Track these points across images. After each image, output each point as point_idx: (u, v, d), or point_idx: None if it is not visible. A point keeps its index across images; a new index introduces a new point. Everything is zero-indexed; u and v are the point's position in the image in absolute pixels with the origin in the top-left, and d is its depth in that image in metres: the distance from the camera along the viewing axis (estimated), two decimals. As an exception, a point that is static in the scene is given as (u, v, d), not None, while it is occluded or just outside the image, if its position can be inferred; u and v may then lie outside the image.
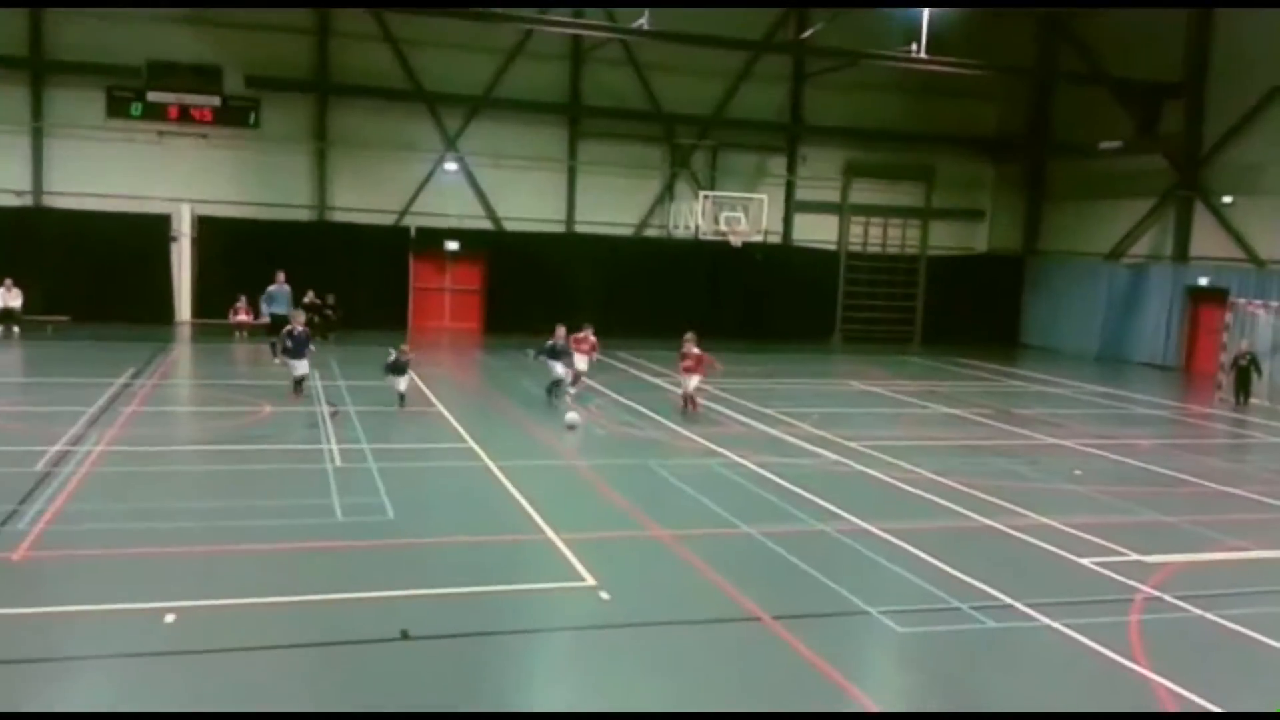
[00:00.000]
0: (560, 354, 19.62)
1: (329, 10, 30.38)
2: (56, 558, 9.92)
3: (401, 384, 18.34)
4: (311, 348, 19.45)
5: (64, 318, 27.37)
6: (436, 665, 7.96)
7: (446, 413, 18.27)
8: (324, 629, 8.48)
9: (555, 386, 19.77)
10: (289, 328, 19.35)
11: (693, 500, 13.17)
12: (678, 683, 7.94)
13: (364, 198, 31.58)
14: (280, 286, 24.52)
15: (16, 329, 26.14)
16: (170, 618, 8.43)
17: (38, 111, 28.91)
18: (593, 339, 21.11)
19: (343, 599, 9.13)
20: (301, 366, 19.04)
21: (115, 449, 14.41)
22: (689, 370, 19.21)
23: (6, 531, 10.50)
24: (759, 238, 32.24)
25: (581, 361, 20.69)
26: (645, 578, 10.20)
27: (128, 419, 16.49)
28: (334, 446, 15.11)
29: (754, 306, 33.95)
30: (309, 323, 22.09)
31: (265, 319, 24.92)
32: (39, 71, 28.75)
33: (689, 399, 19.19)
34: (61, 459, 13.60)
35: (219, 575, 9.62)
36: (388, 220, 31.97)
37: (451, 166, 32.39)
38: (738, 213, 31.72)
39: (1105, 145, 31.99)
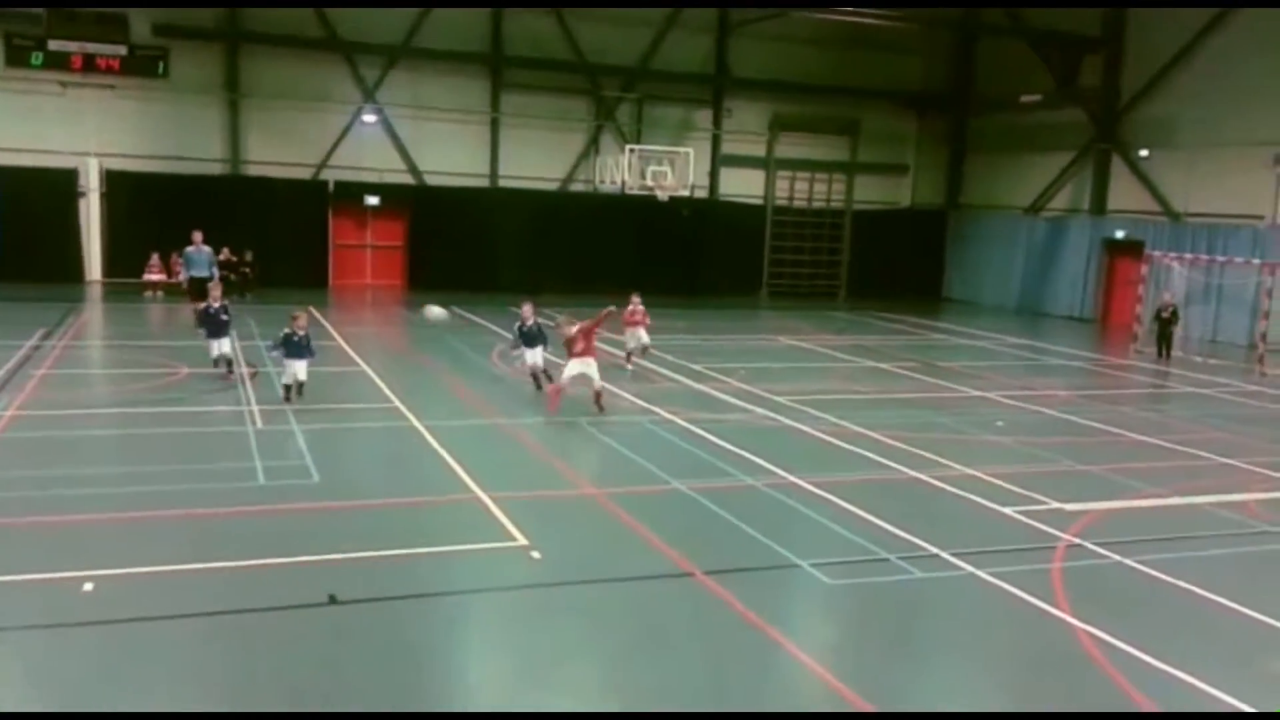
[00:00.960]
0: (534, 338, 16.69)
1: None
2: (-36, 528, 9.54)
3: (300, 370, 15.27)
4: (225, 319, 16.57)
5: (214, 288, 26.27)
6: (366, 629, 7.82)
7: (371, 372, 17.94)
8: (249, 595, 8.28)
9: (539, 378, 16.77)
10: (205, 304, 16.95)
11: (624, 457, 13.15)
12: (612, 640, 7.93)
13: (279, 151, 30.74)
14: (199, 248, 23.54)
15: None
16: (89, 586, 8.17)
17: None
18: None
19: (267, 564, 8.92)
20: (221, 346, 16.50)
21: (26, 413, 13.89)
22: (633, 324, 19.10)
23: (-91, 501, 10.07)
24: (685, 192, 32.15)
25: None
26: (577, 536, 10.16)
27: (39, 382, 15.90)
28: (254, 408, 14.74)
29: (682, 261, 33.92)
30: (224, 280, 21.48)
31: (183, 281, 24.20)
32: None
33: (634, 354, 19.31)
34: (-36, 425, 13.09)
35: (138, 542, 9.34)
36: (305, 175, 31.19)
37: (370, 118, 31.67)
38: (664, 167, 31.57)
39: (1026, 98, 32.45)
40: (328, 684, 6.95)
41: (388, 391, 16.35)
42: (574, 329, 15.43)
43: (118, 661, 7.17)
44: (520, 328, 16.78)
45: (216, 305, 16.55)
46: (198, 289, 21.57)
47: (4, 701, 6.61)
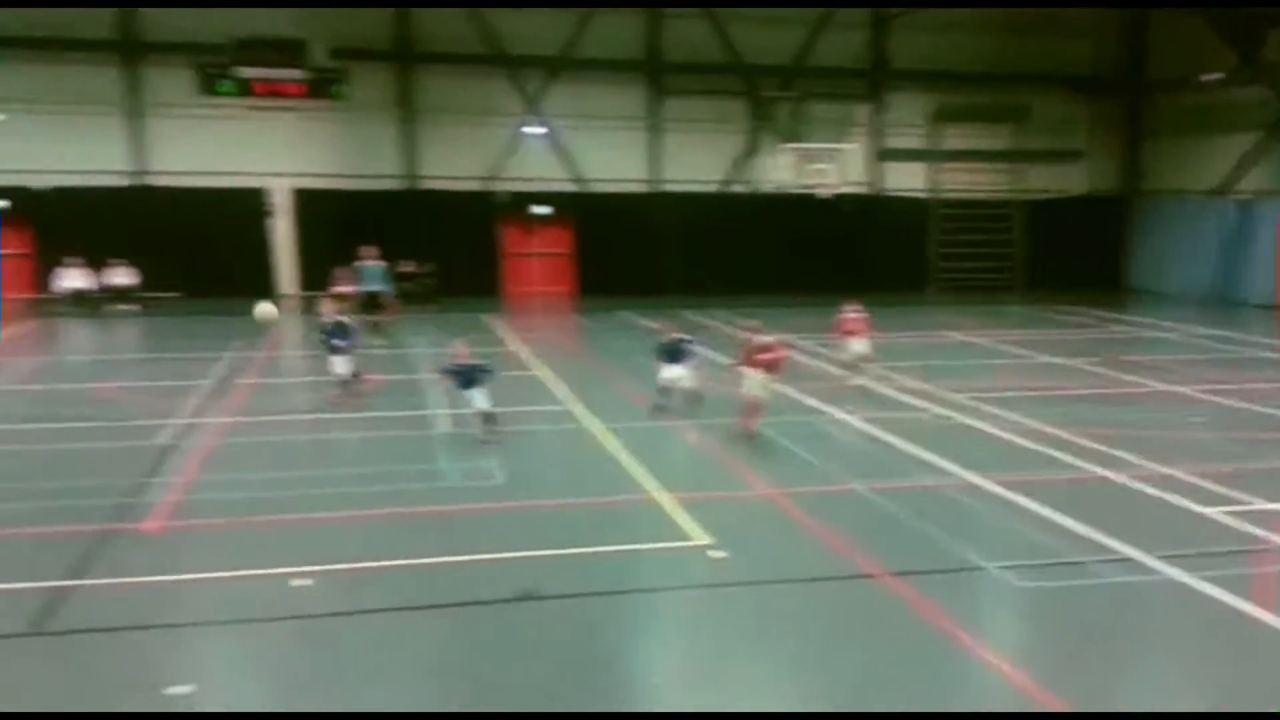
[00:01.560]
0: (680, 353, 15.27)
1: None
2: (185, 527, 10.28)
3: (477, 398, 13.70)
4: (352, 342, 15.87)
5: (175, 294, 28.23)
6: (561, 624, 8.07)
7: (543, 376, 18.42)
8: (447, 591, 8.65)
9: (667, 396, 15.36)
10: (323, 320, 15.91)
11: (799, 458, 13.11)
12: (796, 641, 7.94)
13: (451, 164, 31.86)
14: (370, 262, 23.63)
15: (130, 307, 27.06)
16: (296, 583, 8.69)
17: (134, 92, 29.67)
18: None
19: (463, 561, 9.30)
20: (339, 364, 15.56)
21: (234, 420, 14.85)
22: (851, 333, 17.81)
23: (137, 504, 10.90)
24: (847, 189, 31.72)
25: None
26: (755, 536, 10.20)
27: (244, 391, 16.96)
28: (444, 412, 15.33)
29: (844, 259, 33.42)
30: (403, 294, 22.31)
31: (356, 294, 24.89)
32: (132, 53, 29.45)
33: (853, 365, 17.89)
34: (184, 432, 14.07)
35: (342, 541, 9.88)
36: (476, 186, 32.22)
37: (534, 130, 32.45)
38: (824, 164, 31.26)
39: (1206, 78, 30.70)
40: (519, 678, 7.19)
41: (561, 395, 16.77)
42: (764, 340, 14.25)
43: (323, 654, 7.61)
44: (668, 342, 15.33)
45: (330, 320, 15.68)
46: (369, 303, 22.13)
47: (231, 689, 7.13)
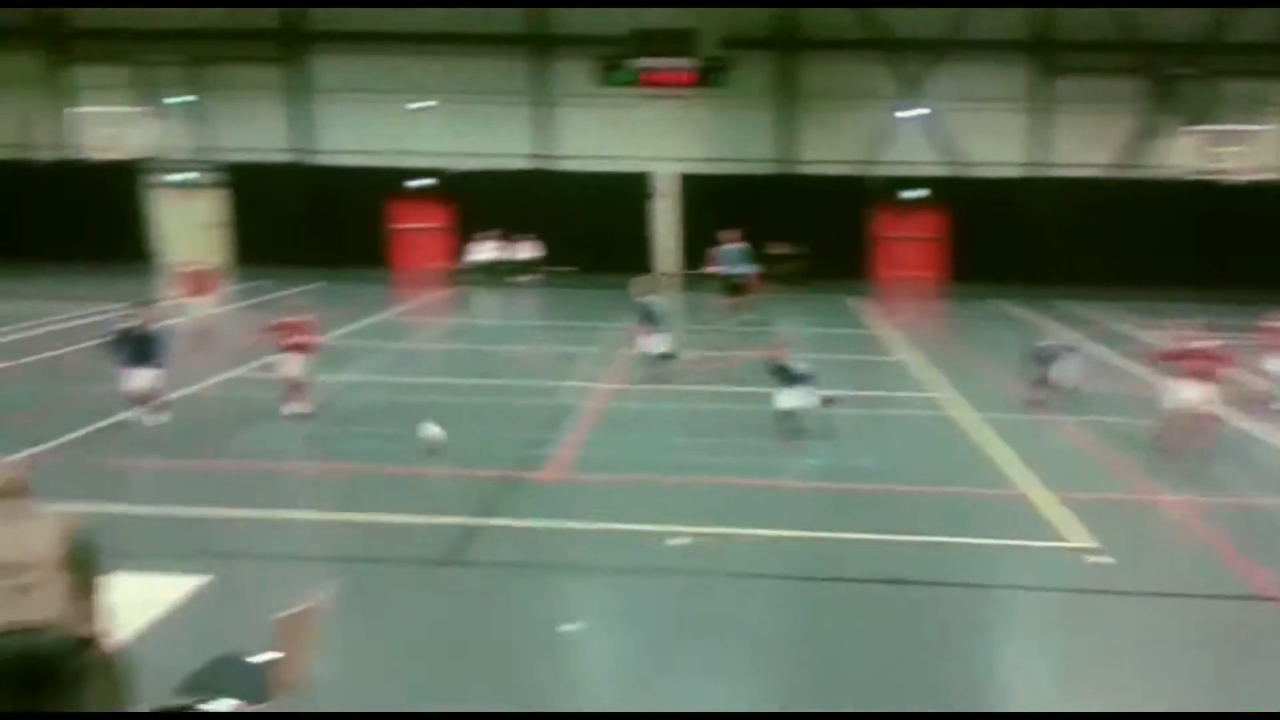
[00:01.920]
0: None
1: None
2: (578, 480, 11.35)
3: (786, 399, 13.05)
4: (663, 322, 16.42)
5: (571, 269, 30.68)
6: (920, 612, 8.18)
7: (911, 362, 18.31)
8: (811, 565, 9.00)
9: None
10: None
11: (1199, 466, 12.16)
12: (1177, 661, 7.56)
13: (827, 150, 32.12)
14: (731, 246, 23.47)
15: (533, 279, 29.76)
16: (674, 541, 9.36)
17: (543, 82, 32.39)
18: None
19: (828, 538, 9.62)
20: (654, 343, 15.43)
21: (622, 387, 16.04)
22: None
23: (538, 455, 12.15)
24: (1266, 174, 28.58)
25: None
26: (1136, 543, 9.71)
27: (628, 360, 18.25)
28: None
29: (1262, 254, 30.02)
30: (773, 275, 22.56)
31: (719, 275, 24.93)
32: (542, 46, 32.13)
33: None
34: (580, 394, 15.43)
35: (717, 506, 10.52)
36: (849, 171, 32.27)
37: (911, 113, 31.93)
38: (1236, 147, 28.40)
39: None
40: (871, 658, 7.41)
41: (928, 381, 16.63)
42: (1203, 344, 12.44)
43: (689, 609, 8.18)
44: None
45: (644, 302, 16.24)
46: (731, 286, 22.44)
47: (611, 632, 7.88)
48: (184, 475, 11.14)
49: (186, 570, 6.59)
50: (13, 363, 16.73)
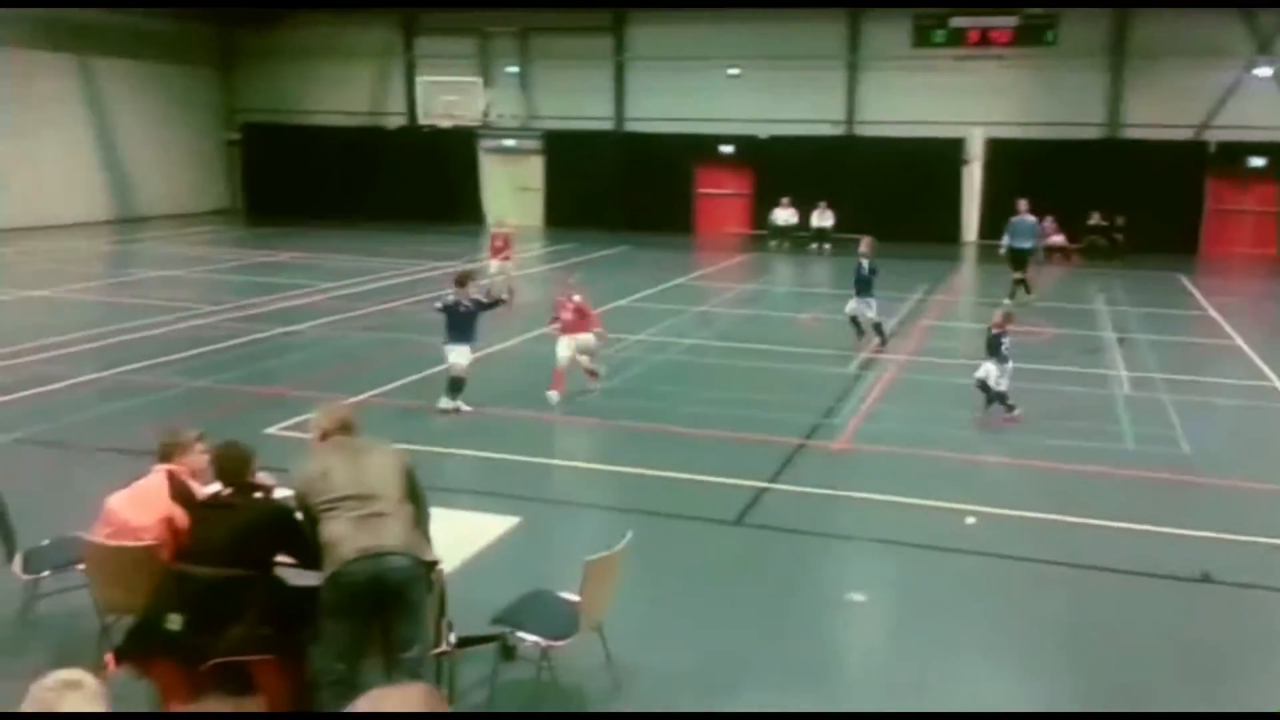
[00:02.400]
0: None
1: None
2: (867, 451, 11.33)
3: (990, 371, 12.29)
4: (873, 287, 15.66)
5: (866, 237, 30.14)
6: (1230, 613, 7.63)
7: (1246, 346, 16.78)
8: (1111, 556, 8.54)
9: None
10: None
11: None
12: None
13: (1158, 112, 29.62)
14: (1022, 217, 21.59)
15: (828, 246, 29.55)
16: (971, 519, 9.15)
17: (853, 46, 31.89)
18: None
19: (1133, 529, 9.10)
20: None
21: (913, 359, 15.78)
22: None
23: (828, 424, 12.22)
24: None
25: None
26: None
27: (923, 332, 17.88)
28: (1122, 373, 14.83)
29: None
30: (1090, 247, 20.97)
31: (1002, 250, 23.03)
32: (857, 8, 31.57)
33: None
34: (868, 364, 15.32)
35: (1010, 486, 10.21)
36: (1183, 135, 29.65)
37: (1262, 72, 28.83)
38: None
39: None
40: (1183, 661, 6.99)
41: (1266, 369, 15.19)
42: None
43: (978, 592, 8.02)
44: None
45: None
46: (1018, 260, 20.83)
47: (899, 606, 7.87)
48: (493, 423, 11.99)
49: (499, 510, 7.20)
50: (357, 312, 18.61)
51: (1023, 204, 21.91)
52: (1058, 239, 27.99)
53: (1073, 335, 17.66)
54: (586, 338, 12.97)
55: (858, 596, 7.84)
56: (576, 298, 13.09)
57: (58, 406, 12.32)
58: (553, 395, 12.58)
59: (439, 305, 12.27)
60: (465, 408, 12.25)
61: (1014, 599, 7.86)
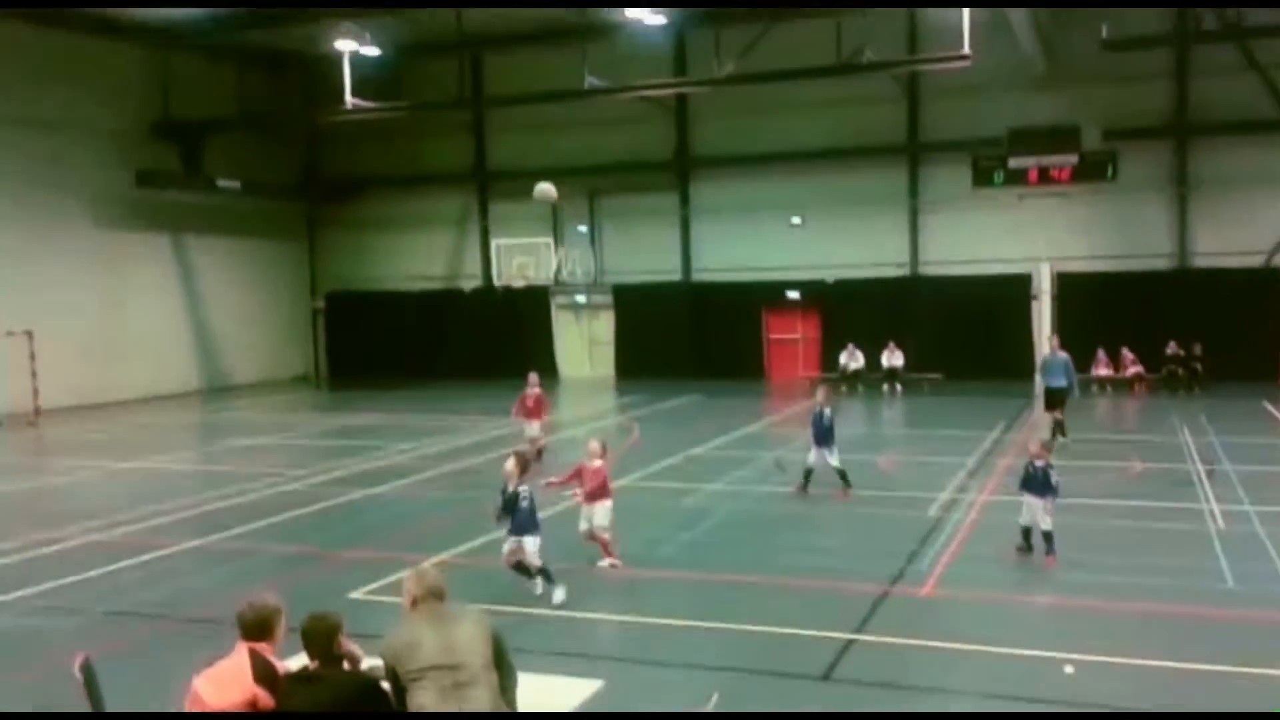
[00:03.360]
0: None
1: (1188, 50, 29.23)
2: (955, 597, 11.07)
3: (1035, 513, 12.02)
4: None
5: (937, 375, 30.10)
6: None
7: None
8: (1237, 704, 8.12)
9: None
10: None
11: None
12: None
13: (1226, 240, 29.51)
14: (1054, 354, 20.27)
15: (899, 386, 29.48)
16: (1069, 669, 8.77)
17: (914, 189, 32.43)
18: None
19: (1254, 674, 8.65)
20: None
21: (993, 499, 15.49)
22: None
23: (912, 570, 11.98)
24: None
25: None
26: None
27: (1002, 470, 17.59)
28: (1214, 506, 14.40)
29: None
30: (1170, 375, 20.57)
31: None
32: (915, 153, 32.24)
33: None
34: (950, 505, 15.08)
35: (1108, 630, 9.83)
36: (1254, 262, 29.38)
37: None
38: None
39: None
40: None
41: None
42: None
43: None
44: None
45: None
46: (1053, 399, 19.75)
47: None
48: (567, 579, 11.94)
49: (579, 673, 7.14)
50: (435, 471, 18.92)
51: (1053, 340, 21.27)
52: (1106, 372, 28.01)
53: (1159, 469, 17.26)
54: (603, 507, 12.07)
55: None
56: (598, 462, 12.13)
57: (153, 576, 12.61)
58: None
59: (499, 505, 10.91)
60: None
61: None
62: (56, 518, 15.74)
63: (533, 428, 19.21)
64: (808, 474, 15.92)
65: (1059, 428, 19.36)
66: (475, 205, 37.64)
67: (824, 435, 15.69)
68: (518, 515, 10.82)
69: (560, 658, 8.86)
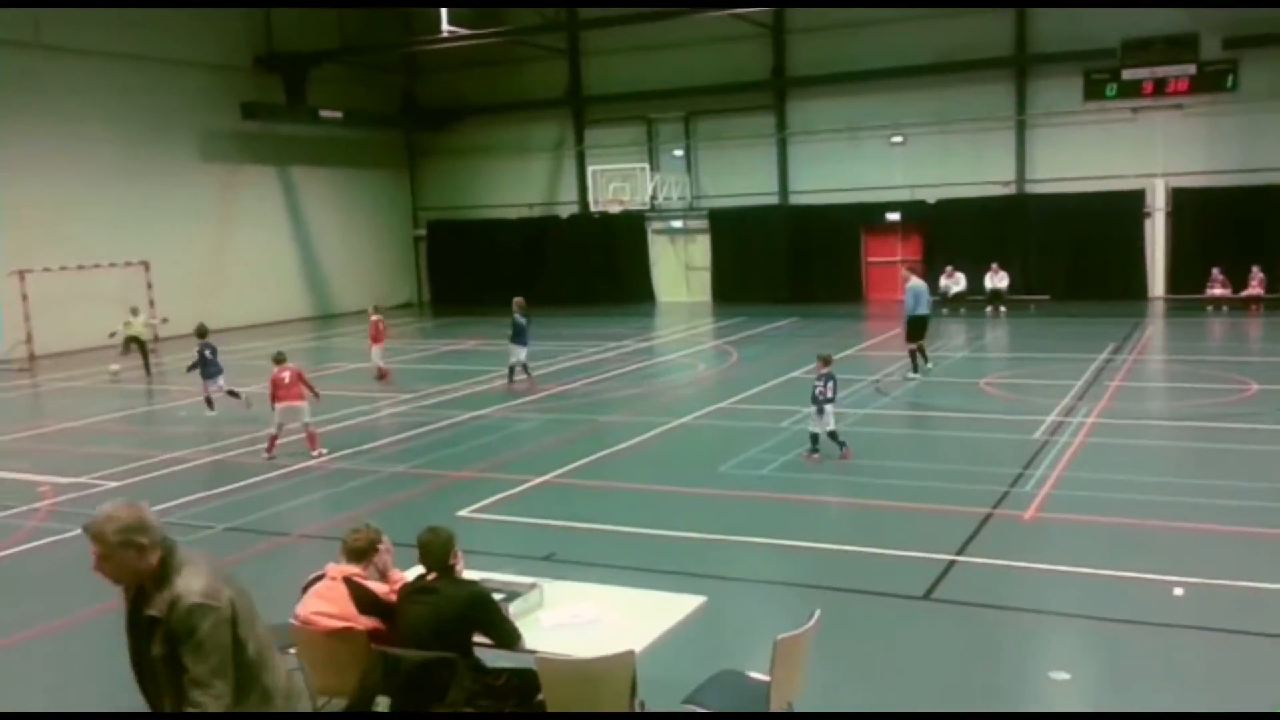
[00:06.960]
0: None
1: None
2: (1060, 520, 10.90)
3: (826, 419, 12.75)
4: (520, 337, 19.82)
5: (1044, 296, 29.36)
6: None
7: None
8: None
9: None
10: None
11: None
12: None
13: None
14: (915, 282, 19.88)
15: (1003, 308, 28.82)
16: (1179, 591, 8.66)
17: (1021, 104, 31.30)
18: None
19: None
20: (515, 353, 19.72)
21: (1102, 421, 15.13)
22: None
23: (1016, 493, 11.83)
24: None
25: None
26: None
27: (1112, 393, 17.16)
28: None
29: None
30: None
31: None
32: (1023, 66, 31.05)
33: None
34: (1056, 429, 14.79)
35: (1216, 554, 9.63)
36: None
37: None
38: None
39: None
40: None
41: None
42: None
43: (1213, 667, 7.60)
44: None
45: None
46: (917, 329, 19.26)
47: (1105, 685, 7.52)
48: (666, 500, 12.10)
49: (683, 589, 7.26)
50: (538, 395, 19.25)
51: (916, 269, 22.20)
52: (1222, 292, 26.96)
53: (1273, 390, 16.61)
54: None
55: (1061, 675, 7.52)
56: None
57: (270, 495, 13.18)
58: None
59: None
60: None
61: (1230, 676, 7.41)
62: (179, 439, 16.51)
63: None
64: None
65: (921, 353, 19.39)
66: (571, 131, 37.57)
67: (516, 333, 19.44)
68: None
69: (662, 575, 9.03)
